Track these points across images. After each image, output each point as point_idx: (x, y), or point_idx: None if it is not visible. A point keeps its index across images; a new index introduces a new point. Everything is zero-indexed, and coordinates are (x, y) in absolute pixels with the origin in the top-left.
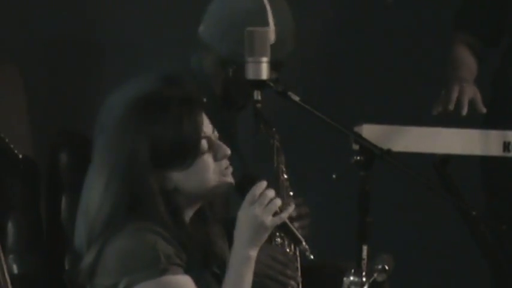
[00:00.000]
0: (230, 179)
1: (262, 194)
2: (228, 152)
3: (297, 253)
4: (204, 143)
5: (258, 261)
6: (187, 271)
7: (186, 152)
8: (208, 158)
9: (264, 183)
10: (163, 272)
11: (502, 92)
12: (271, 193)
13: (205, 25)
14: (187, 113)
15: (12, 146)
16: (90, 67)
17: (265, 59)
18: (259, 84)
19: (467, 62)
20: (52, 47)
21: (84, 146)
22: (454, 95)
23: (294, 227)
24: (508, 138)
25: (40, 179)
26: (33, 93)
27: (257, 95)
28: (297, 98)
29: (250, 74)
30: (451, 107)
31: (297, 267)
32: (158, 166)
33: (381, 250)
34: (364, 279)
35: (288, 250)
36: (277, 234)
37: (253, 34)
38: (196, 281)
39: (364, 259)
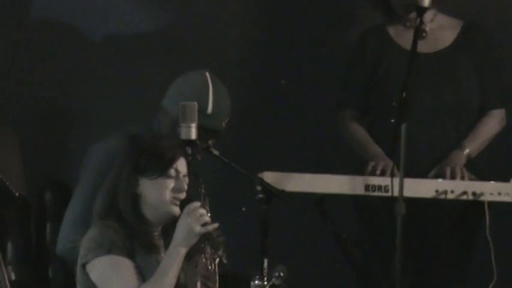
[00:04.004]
0: (175, 210)
1: (195, 208)
2: (184, 188)
3: (216, 270)
4: (173, 171)
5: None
6: (133, 257)
7: (159, 165)
8: (170, 184)
9: (198, 203)
10: (108, 252)
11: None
12: (202, 210)
13: (166, 97)
14: (169, 146)
15: (10, 187)
16: (66, 130)
17: (193, 125)
18: (189, 142)
19: (368, 139)
20: (41, 113)
21: (62, 187)
22: (380, 169)
23: (216, 237)
24: (368, 182)
25: (31, 211)
26: (26, 148)
27: (188, 151)
28: (217, 153)
29: (183, 136)
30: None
31: (216, 280)
32: (136, 170)
33: (278, 262)
34: (265, 282)
35: (209, 267)
36: (203, 256)
37: (184, 106)
38: (142, 267)
39: (265, 268)
